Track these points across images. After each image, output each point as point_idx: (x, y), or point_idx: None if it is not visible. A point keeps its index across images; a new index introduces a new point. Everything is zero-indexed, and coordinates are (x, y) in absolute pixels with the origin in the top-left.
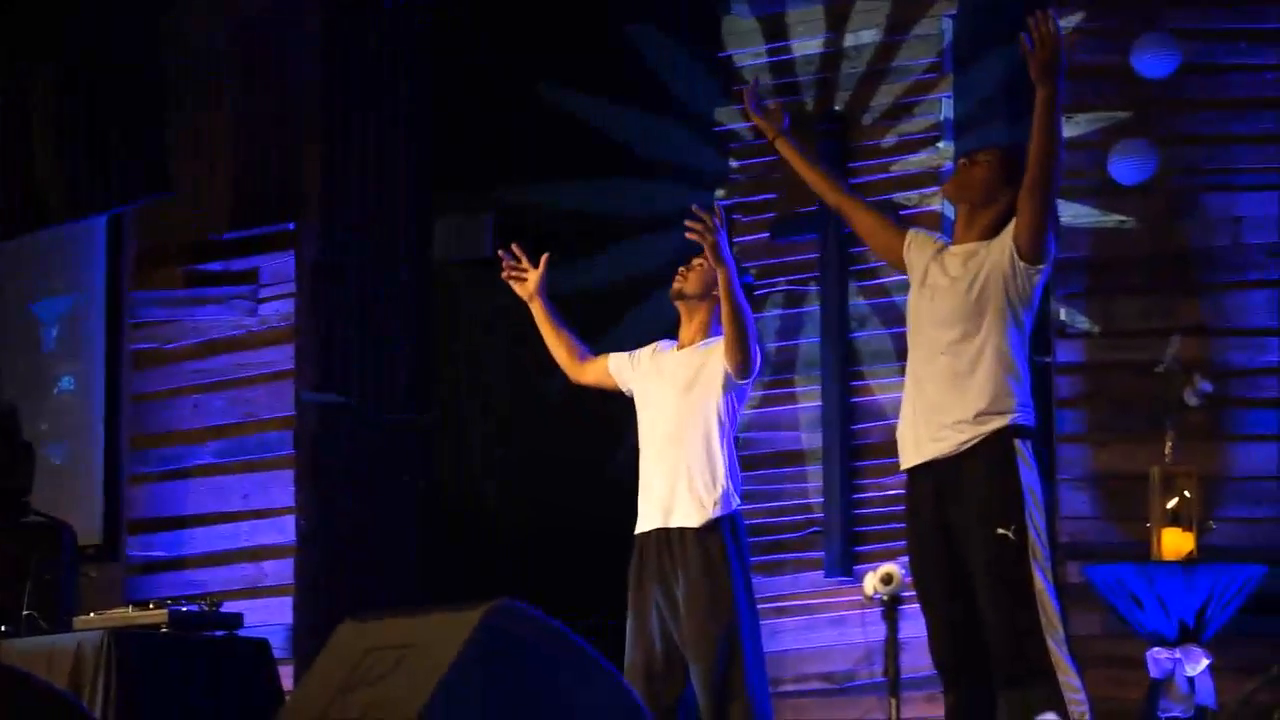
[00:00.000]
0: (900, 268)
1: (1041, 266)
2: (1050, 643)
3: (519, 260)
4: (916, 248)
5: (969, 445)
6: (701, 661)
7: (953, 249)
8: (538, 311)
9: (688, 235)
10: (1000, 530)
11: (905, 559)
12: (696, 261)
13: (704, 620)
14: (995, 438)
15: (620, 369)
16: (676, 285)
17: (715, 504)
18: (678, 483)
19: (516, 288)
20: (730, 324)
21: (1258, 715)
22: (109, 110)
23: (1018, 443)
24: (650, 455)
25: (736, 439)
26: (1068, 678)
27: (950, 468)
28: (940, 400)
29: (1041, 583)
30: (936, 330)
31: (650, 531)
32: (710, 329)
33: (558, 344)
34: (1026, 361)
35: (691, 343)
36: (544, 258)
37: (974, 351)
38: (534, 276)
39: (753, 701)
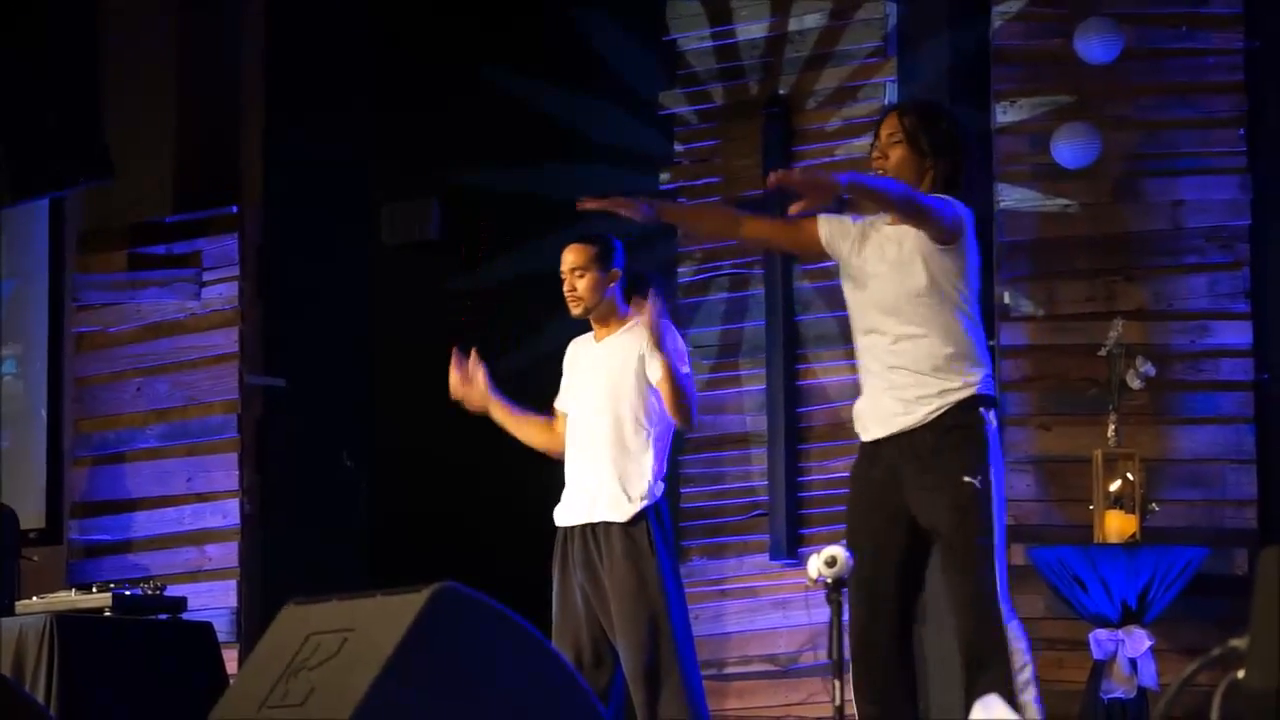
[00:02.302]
0: (825, 254)
1: (952, 246)
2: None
3: (466, 375)
4: (838, 235)
5: (936, 415)
6: (631, 648)
7: (884, 228)
8: (497, 412)
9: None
10: (966, 478)
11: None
12: (572, 271)
13: (632, 607)
14: (959, 407)
15: (569, 411)
16: (576, 309)
17: (641, 497)
18: (605, 479)
19: (471, 401)
20: (673, 406)
21: (1198, 697)
22: (48, 94)
23: (982, 411)
24: (577, 448)
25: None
26: (1014, 642)
27: (916, 436)
28: (903, 380)
29: (997, 535)
30: (884, 317)
31: (574, 527)
32: (619, 312)
33: (529, 432)
34: (981, 331)
35: (609, 333)
36: (473, 352)
37: (928, 338)
38: (479, 382)
39: (685, 685)
